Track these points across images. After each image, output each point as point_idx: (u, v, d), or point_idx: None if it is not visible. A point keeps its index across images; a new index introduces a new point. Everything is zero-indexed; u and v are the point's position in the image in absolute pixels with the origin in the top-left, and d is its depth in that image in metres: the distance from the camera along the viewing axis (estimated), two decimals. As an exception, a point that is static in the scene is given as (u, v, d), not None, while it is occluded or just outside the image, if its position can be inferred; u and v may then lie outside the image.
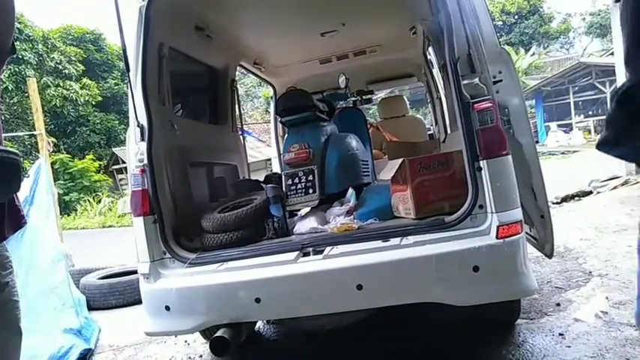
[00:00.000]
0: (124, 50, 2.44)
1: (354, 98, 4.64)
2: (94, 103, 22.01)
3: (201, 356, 3.18)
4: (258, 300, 2.17)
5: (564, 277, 3.67)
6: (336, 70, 4.25)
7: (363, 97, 4.80)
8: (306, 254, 2.27)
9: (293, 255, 2.25)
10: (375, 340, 2.96)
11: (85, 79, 21.72)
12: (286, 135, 3.33)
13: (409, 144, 4.88)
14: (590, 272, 3.66)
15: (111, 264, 5.57)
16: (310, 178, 2.89)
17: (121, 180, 20.71)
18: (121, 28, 2.39)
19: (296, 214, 3.10)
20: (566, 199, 7.02)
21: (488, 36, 2.45)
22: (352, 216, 2.64)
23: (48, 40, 20.82)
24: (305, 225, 2.68)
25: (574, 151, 17.65)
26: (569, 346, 2.56)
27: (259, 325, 3.51)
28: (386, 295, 2.14)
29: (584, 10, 32.95)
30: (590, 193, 7.18)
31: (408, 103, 6.16)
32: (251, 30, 3.70)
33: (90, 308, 4.27)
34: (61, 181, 17.19)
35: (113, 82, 23.79)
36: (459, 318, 2.77)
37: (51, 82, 20.11)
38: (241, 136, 4.21)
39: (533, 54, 27.73)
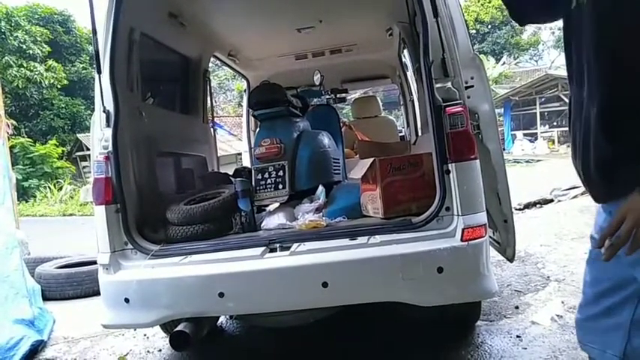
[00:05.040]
0: (94, 31, 2.36)
1: (328, 96, 4.64)
2: (59, 86, 21.19)
3: (160, 350, 3.11)
4: (221, 295, 2.13)
5: (524, 281, 3.78)
6: (312, 66, 4.23)
7: (337, 95, 4.81)
8: (272, 250, 2.25)
9: (259, 250, 2.23)
10: (335, 339, 2.97)
11: (50, 61, 20.88)
12: (258, 129, 3.29)
13: (380, 144, 4.90)
14: (548, 277, 3.78)
15: (69, 253, 5.38)
16: (280, 173, 2.87)
17: (84, 167, 20.03)
18: (92, 9, 2.30)
19: (264, 210, 3.07)
20: (528, 205, 7.24)
21: (463, 41, 2.49)
22: (321, 213, 2.63)
23: (12, 18, 19.91)
24: (273, 221, 2.66)
25: (538, 160, 18.23)
26: (526, 348, 2.64)
27: (222, 320, 3.46)
28: (351, 294, 2.14)
29: (554, 24, 34.05)
30: (552, 201, 7.43)
31: (381, 104, 6.21)
32: (226, 21, 3.63)
33: (45, 298, 4.11)
34: (21, 166, 16.48)
35: (81, 65, 22.96)
36: (419, 318, 2.81)
37: (13, 61, 19.25)
38: (212, 129, 4.14)
39: (504, 63, 28.46)
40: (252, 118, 4.84)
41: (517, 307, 3.22)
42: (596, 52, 1.09)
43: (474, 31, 32.03)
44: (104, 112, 2.42)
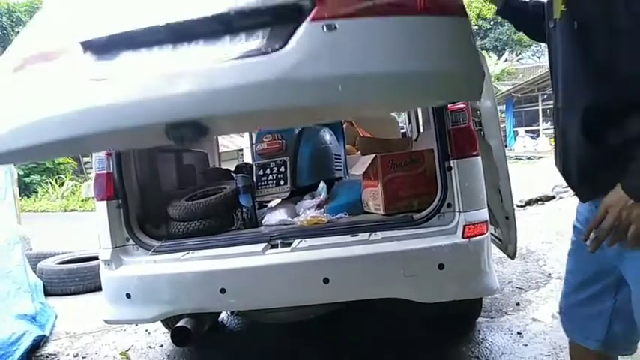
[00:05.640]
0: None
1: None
2: (60, 82, 21.19)
3: (161, 346, 3.12)
4: (223, 290, 2.14)
5: (525, 277, 3.78)
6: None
7: (339, 91, 4.78)
8: (274, 246, 2.25)
9: (261, 246, 2.23)
10: (336, 335, 2.97)
11: (52, 57, 20.86)
12: (259, 125, 3.29)
13: (382, 141, 4.88)
14: (549, 274, 3.78)
15: (71, 249, 5.40)
16: (282, 169, 2.87)
17: (86, 163, 19.97)
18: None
19: (266, 206, 3.07)
20: (530, 202, 7.23)
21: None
22: (322, 210, 2.63)
23: (13, 14, 19.89)
24: (274, 217, 2.66)
25: (540, 157, 18.19)
26: (527, 345, 2.64)
27: (223, 315, 3.47)
28: (352, 290, 2.15)
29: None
30: (553, 198, 7.41)
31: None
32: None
33: (47, 294, 4.12)
34: (22, 162, 16.50)
35: (82, 61, 22.94)
36: (420, 314, 2.82)
37: (15, 57, 19.23)
38: (213, 124, 4.13)
39: (506, 60, 28.36)
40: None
41: (518, 304, 3.23)
42: (574, 62, 1.16)
43: (477, 28, 31.89)
44: (106, 107, 2.42)
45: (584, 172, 1.18)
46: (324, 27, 1.29)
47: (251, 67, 1.28)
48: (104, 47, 1.50)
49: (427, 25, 1.32)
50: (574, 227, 1.37)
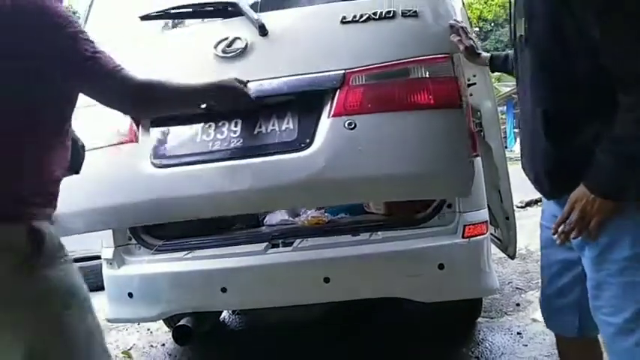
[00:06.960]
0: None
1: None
2: (62, 82, 21.24)
3: (163, 345, 3.13)
4: (224, 290, 2.15)
5: (525, 278, 3.79)
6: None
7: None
8: (275, 245, 2.25)
9: (262, 246, 2.23)
10: (336, 334, 2.98)
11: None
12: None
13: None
14: (549, 275, 3.79)
15: (74, 248, 5.40)
16: (283, 169, 2.88)
17: (87, 163, 20.05)
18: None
19: (267, 206, 3.07)
20: (530, 203, 7.23)
21: (465, 39, 2.49)
22: (323, 209, 2.64)
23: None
24: (275, 216, 2.67)
25: (540, 158, 18.14)
26: (526, 345, 2.65)
27: (224, 314, 3.49)
28: (352, 289, 2.15)
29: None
30: (553, 199, 7.41)
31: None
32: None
33: (49, 293, 4.13)
34: (24, 162, 16.52)
35: (84, 61, 22.99)
36: (420, 314, 2.83)
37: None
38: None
39: (507, 61, 28.32)
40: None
41: (518, 305, 3.23)
42: (534, 73, 1.27)
43: (477, 29, 31.84)
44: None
45: (550, 173, 1.28)
46: (345, 124, 1.53)
47: (287, 167, 1.58)
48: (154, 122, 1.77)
49: (435, 121, 1.55)
50: (541, 225, 1.49)
